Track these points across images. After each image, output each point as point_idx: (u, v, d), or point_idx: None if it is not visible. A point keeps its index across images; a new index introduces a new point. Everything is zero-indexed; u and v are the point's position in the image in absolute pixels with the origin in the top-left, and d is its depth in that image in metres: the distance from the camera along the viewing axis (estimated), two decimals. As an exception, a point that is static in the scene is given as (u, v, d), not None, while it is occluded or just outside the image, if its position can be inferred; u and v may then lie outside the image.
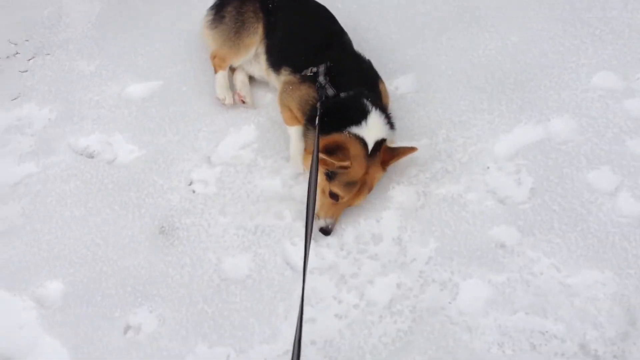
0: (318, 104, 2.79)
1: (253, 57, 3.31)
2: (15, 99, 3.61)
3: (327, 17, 3.29)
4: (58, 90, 3.62)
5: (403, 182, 2.85)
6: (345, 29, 3.30)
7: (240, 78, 3.36)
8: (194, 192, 3.02)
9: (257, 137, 3.18)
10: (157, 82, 3.54)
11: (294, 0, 3.33)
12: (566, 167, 2.74)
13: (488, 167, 2.82)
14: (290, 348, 2.13)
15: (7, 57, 3.89)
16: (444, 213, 2.71)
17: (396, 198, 2.81)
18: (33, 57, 3.86)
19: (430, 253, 2.60)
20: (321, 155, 2.55)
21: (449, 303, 2.44)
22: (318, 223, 2.71)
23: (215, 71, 3.34)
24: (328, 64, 2.90)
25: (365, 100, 2.75)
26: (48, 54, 3.87)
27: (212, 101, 3.35)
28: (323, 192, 2.71)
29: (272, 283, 2.65)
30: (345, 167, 2.59)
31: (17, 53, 3.91)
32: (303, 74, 2.95)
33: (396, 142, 2.92)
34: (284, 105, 3.05)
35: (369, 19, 3.63)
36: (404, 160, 2.88)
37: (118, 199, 3.04)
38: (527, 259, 2.51)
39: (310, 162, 2.64)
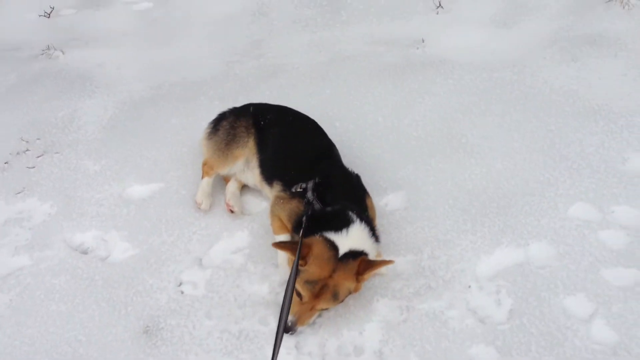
0: (304, 218, 2.91)
1: (247, 168, 3.49)
2: (19, 193, 3.73)
3: (315, 132, 3.49)
4: (62, 186, 3.76)
5: (387, 295, 2.92)
6: (341, 146, 3.51)
7: (231, 189, 3.52)
8: (182, 293, 3.07)
9: (249, 243, 3.28)
10: (158, 185, 3.70)
11: (283, 118, 3.54)
12: (544, 291, 2.82)
13: (469, 286, 2.90)
14: None
15: (17, 153, 4.06)
16: (425, 328, 2.76)
17: (380, 311, 2.86)
18: (42, 155, 4.04)
19: (410, 369, 2.63)
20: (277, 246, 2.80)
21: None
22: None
23: (202, 177, 3.55)
24: (316, 180, 3.06)
25: (350, 212, 2.87)
26: (57, 153, 4.05)
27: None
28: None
29: (251, 391, 2.64)
30: (301, 264, 2.70)
31: (27, 150, 4.08)
32: (293, 190, 3.10)
33: (383, 256, 3.03)
34: (274, 215, 3.19)
35: (364, 138, 3.86)
36: (389, 274, 2.98)
37: (106, 296, 3.08)
38: (504, 381, 2.53)
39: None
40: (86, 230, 3.46)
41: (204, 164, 3.58)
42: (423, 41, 4.76)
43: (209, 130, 3.63)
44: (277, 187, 3.25)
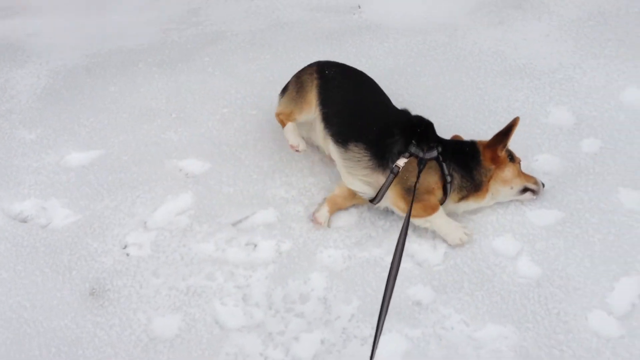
0: (448, 178, 2.95)
1: (313, 123, 3.33)
2: (-52, 164, 3.64)
3: (376, 86, 3.37)
4: (-4, 156, 3.69)
5: (330, 246, 3.04)
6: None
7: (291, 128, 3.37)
8: (127, 255, 3.10)
9: (193, 204, 3.32)
10: (98, 151, 3.67)
11: (347, 71, 3.40)
12: (475, 234, 3.01)
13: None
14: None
15: (-54, 123, 3.95)
16: (366, 274, 2.90)
17: (323, 261, 2.97)
18: (-27, 125, 3.95)
19: (353, 311, 2.76)
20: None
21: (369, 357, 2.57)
22: (540, 183, 3.11)
23: (283, 125, 3.36)
24: (439, 148, 2.97)
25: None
26: (-11, 123, 3.96)
27: (151, 169, 3.51)
28: (519, 173, 3.07)
29: (200, 341, 2.71)
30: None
31: (-43, 120, 3.97)
32: (426, 156, 2.93)
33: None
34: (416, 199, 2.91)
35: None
36: (331, 226, 3.13)
37: (49, 262, 3.07)
38: (440, 315, 2.70)
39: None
40: (24, 199, 3.42)
41: (278, 114, 3.41)
42: (359, 7, 4.86)
43: (281, 93, 3.49)
44: (356, 149, 3.00)
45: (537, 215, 3.07)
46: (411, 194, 2.86)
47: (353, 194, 3.13)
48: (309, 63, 3.52)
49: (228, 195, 3.34)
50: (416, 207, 2.86)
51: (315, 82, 3.29)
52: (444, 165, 2.93)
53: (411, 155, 2.91)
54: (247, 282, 2.93)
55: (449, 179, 2.94)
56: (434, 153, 2.93)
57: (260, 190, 3.34)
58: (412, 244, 3.01)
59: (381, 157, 2.96)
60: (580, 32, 4.28)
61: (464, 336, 2.62)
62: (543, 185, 3.12)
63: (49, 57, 4.59)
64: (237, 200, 3.31)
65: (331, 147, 3.13)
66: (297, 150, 3.28)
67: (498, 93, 3.81)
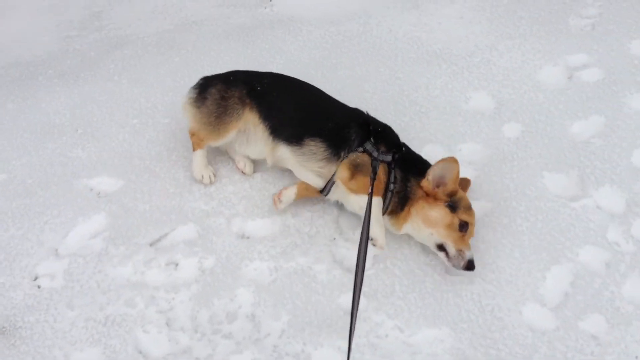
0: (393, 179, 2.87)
1: (247, 140, 3.19)
2: None
3: (313, 87, 3.27)
4: None
5: (255, 258, 2.91)
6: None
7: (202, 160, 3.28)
8: (39, 287, 2.88)
9: (108, 225, 3.11)
10: (-1, 176, 3.41)
11: (281, 80, 3.27)
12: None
13: (334, 238, 2.97)
14: None
15: None
16: (294, 285, 2.79)
17: (248, 275, 2.85)
18: None
19: (283, 326, 2.65)
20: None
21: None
22: (465, 258, 2.68)
23: (194, 149, 3.24)
24: (396, 155, 2.90)
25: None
26: None
27: (59, 192, 3.27)
28: (450, 226, 2.71)
29: (123, 375, 2.55)
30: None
31: None
32: (379, 157, 2.87)
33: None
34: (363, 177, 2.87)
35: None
36: (255, 236, 2.98)
37: (-49, 305, 2.82)
38: (373, 323, 2.63)
39: None
40: None
41: (192, 134, 3.23)
42: (270, 0, 4.69)
43: (194, 96, 3.21)
44: (312, 143, 2.95)
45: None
46: (359, 170, 2.84)
47: None
48: (231, 71, 3.37)
49: (144, 212, 3.15)
50: (356, 181, 2.83)
51: (248, 106, 3.12)
52: (392, 172, 2.86)
53: (364, 151, 2.86)
54: (169, 305, 2.77)
55: (392, 186, 2.86)
56: (389, 158, 2.87)
57: (178, 205, 3.16)
58: (340, 248, 2.93)
59: (337, 147, 2.91)
60: (494, 12, 4.27)
61: (399, 343, 2.55)
62: (470, 266, 2.68)
63: (-63, 75, 4.22)
64: (154, 217, 3.12)
65: (283, 150, 3.04)
66: (202, 183, 3.25)
67: (417, 81, 3.75)
